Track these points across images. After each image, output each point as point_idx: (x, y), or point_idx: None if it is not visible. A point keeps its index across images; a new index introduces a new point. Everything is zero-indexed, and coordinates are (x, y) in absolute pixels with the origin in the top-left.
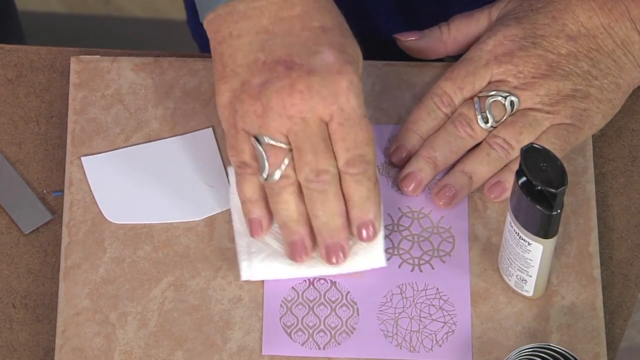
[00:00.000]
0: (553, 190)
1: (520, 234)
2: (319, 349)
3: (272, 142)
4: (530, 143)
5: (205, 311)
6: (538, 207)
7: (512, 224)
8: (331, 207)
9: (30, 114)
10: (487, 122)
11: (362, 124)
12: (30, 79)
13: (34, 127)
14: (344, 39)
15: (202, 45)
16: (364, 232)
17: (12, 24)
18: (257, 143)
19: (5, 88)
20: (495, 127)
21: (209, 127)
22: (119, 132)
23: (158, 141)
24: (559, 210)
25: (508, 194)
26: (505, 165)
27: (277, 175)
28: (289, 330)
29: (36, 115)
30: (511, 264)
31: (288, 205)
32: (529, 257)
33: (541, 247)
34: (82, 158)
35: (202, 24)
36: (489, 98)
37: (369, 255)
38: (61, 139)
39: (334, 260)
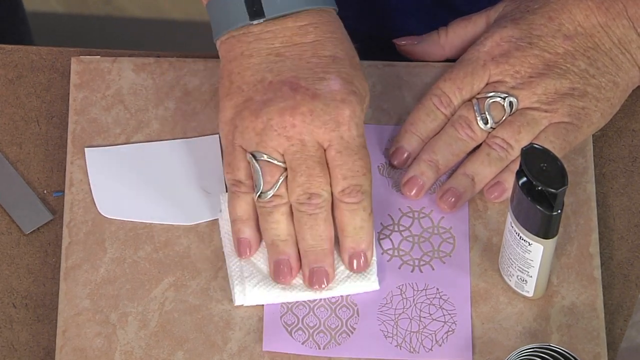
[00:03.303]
0: (553, 191)
1: (521, 235)
2: (319, 348)
3: (268, 159)
4: (531, 143)
5: (206, 311)
6: (538, 207)
7: (513, 225)
8: (320, 231)
9: (30, 114)
10: (486, 123)
11: (361, 154)
12: (30, 79)
13: (34, 127)
14: (353, 71)
15: None
16: (355, 263)
17: (22, 27)
18: (253, 160)
19: (5, 88)
20: (494, 128)
21: (217, 133)
22: (120, 133)
23: (163, 141)
24: (559, 211)
25: (508, 194)
26: (505, 166)
27: (270, 193)
28: (289, 329)
29: (37, 116)
30: (511, 265)
31: (278, 225)
32: (529, 257)
33: (541, 247)
34: (85, 149)
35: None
36: (488, 99)
37: (363, 279)
38: (62, 139)
39: (316, 285)
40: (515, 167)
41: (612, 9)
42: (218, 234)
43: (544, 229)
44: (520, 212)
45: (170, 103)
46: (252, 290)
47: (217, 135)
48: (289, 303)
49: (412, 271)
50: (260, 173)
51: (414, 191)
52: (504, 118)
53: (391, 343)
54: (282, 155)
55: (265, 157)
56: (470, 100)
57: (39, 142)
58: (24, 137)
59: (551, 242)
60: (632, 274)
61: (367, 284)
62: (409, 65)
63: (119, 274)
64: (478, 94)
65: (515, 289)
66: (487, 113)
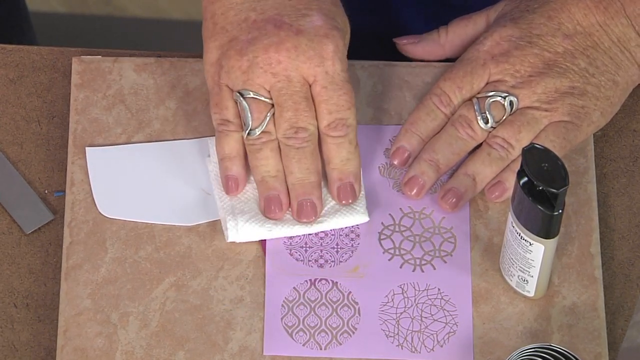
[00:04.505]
0: (554, 191)
1: (522, 234)
2: (320, 349)
3: (255, 96)
4: (532, 143)
5: (207, 311)
6: (539, 207)
7: (514, 224)
8: (307, 164)
9: (31, 114)
10: (487, 122)
11: (345, 88)
12: (32, 79)
13: (35, 127)
14: (334, 8)
15: None
16: (343, 194)
17: (25, 26)
18: (240, 98)
19: (7, 88)
20: (495, 128)
21: None
22: (121, 133)
23: (164, 142)
24: (560, 211)
25: (509, 194)
26: (506, 166)
27: (259, 130)
28: (290, 331)
29: (38, 116)
30: (512, 264)
31: (268, 161)
32: (530, 257)
33: (542, 247)
34: (86, 148)
35: None
36: (488, 98)
37: (352, 212)
38: (63, 139)
39: (304, 218)
40: (516, 166)
41: (610, 8)
42: (219, 234)
43: (545, 229)
44: (521, 212)
45: (171, 103)
46: (244, 226)
47: None
48: (290, 303)
49: (413, 270)
50: (248, 110)
51: (414, 191)
52: (504, 117)
53: (392, 343)
54: (269, 92)
55: (252, 95)
56: (470, 99)
57: (40, 142)
58: (25, 137)
59: (552, 242)
60: (633, 274)
61: (357, 217)
62: (409, 65)
63: (120, 274)
64: (478, 93)
65: (516, 288)
66: (487, 112)
